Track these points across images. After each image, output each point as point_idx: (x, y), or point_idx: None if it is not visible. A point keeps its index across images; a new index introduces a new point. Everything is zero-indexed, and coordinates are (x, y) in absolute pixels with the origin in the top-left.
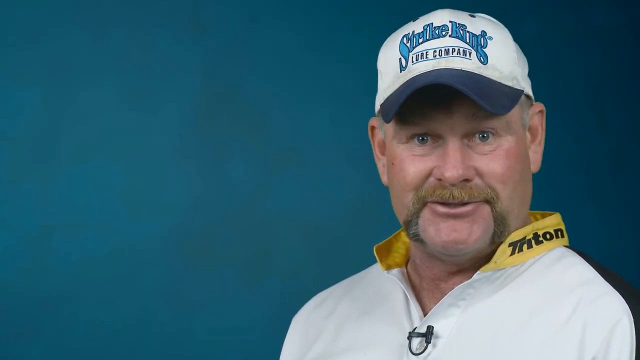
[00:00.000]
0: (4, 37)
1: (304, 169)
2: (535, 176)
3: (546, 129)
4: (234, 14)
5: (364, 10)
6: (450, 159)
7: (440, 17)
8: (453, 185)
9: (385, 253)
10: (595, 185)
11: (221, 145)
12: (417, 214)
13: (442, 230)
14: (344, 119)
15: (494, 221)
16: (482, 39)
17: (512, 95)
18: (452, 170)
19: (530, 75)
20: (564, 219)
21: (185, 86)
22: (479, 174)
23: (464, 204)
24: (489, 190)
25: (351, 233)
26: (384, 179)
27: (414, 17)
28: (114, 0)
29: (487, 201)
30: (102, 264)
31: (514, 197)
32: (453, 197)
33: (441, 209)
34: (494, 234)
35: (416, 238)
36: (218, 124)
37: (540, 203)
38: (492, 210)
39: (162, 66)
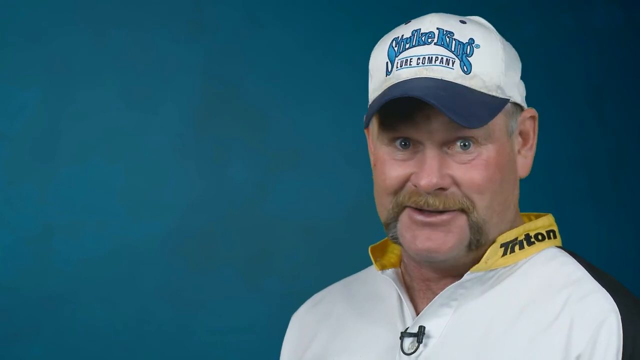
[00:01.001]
0: (4, 37)
1: (303, 169)
2: (535, 176)
3: (546, 129)
4: (234, 14)
5: (364, 10)
6: (426, 167)
7: (430, 22)
8: (428, 193)
9: (380, 253)
10: (595, 185)
11: (221, 145)
12: (395, 217)
13: (417, 237)
14: (344, 119)
15: (470, 230)
16: (468, 47)
17: (493, 106)
18: (426, 179)
19: (530, 75)
20: (564, 219)
21: (185, 86)
22: (456, 183)
23: (440, 212)
24: (465, 200)
25: (351, 233)
26: None
27: (408, 20)
28: (114, 0)
29: (463, 210)
30: (102, 264)
31: (492, 206)
32: (428, 204)
33: (418, 216)
34: (470, 243)
35: (395, 241)
36: (218, 124)
37: (541, 203)
38: (468, 220)
39: (162, 66)
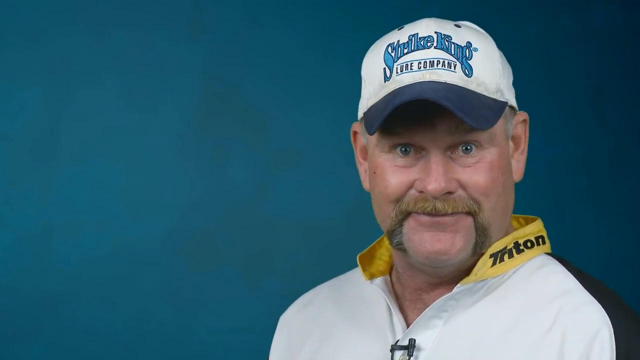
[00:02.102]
0: (4, 37)
1: (303, 170)
2: (535, 177)
3: (547, 129)
4: (234, 14)
5: (364, 10)
6: (432, 172)
7: (426, 27)
8: (435, 198)
9: (369, 261)
10: (595, 185)
11: (221, 145)
12: (400, 223)
13: (426, 240)
14: (344, 119)
15: (476, 232)
16: (467, 50)
17: (496, 108)
18: (434, 184)
19: (530, 75)
20: (564, 219)
21: (185, 86)
22: (462, 186)
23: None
24: (472, 203)
25: (351, 233)
26: (366, 185)
27: (401, 25)
28: (114, 0)
29: (470, 213)
30: (102, 264)
31: (496, 208)
32: (436, 210)
33: (425, 218)
34: (476, 245)
35: (399, 247)
36: (218, 124)
37: (541, 204)
38: (475, 222)
39: (162, 66)
